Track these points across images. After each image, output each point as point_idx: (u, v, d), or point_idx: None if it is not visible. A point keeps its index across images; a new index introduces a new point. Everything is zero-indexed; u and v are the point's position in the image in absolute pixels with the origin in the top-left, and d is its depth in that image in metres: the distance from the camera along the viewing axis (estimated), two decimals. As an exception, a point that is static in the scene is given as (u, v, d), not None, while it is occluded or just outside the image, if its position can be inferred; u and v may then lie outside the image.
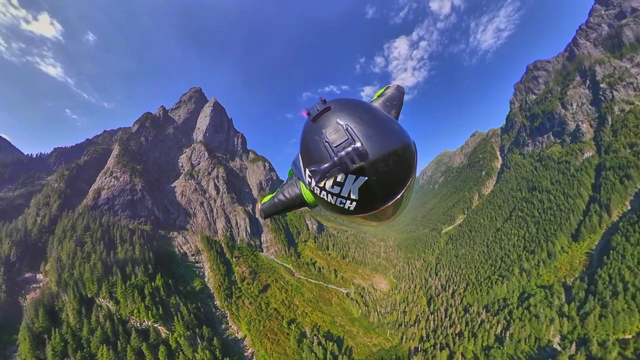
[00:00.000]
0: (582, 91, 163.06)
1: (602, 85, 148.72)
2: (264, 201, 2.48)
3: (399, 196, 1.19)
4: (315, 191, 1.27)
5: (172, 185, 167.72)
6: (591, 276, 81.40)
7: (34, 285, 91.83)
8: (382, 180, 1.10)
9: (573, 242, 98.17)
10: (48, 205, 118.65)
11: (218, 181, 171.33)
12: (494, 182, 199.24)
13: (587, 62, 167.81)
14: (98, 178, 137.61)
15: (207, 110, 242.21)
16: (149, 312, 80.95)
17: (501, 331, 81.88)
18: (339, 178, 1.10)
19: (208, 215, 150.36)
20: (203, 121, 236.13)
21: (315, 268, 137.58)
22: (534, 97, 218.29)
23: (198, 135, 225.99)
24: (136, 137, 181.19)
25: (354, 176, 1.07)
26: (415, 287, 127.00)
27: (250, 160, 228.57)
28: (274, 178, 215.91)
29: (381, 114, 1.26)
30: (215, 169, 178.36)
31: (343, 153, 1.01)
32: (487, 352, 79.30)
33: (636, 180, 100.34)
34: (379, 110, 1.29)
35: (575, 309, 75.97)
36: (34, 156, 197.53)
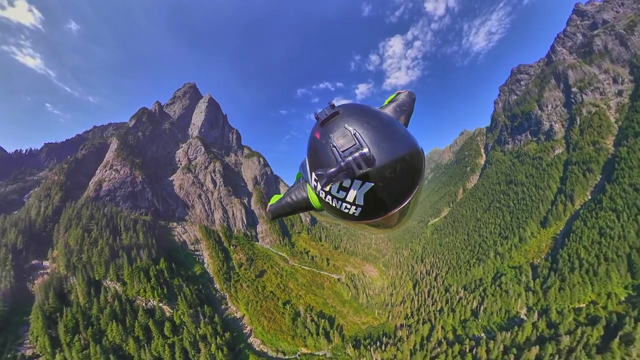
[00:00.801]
0: (556, 94, 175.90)
1: (573, 89, 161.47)
2: (271, 202, 2.61)
3: (405, 204, 1.20)
4: (321, 195, 1.31)
5: (170, 178, 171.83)
6: (554, 256, 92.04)
7: (41, 272, 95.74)
8: (388, 186, 1.12)
9: (541, 228, 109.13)
10: (49, 197, 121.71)
11: (215, 175, 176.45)
12: (477, 177, 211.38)
13: (562, 67, 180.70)
14: (98, 171, 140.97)
15: (202, 106, 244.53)
16: (155, 291, 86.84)
17: (476, 306, 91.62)
18: (345, 183, 1.12)
19: (206, 206, 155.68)
20: (198, 117, 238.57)
21: (308, 256, 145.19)
22: (515, 98, 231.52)
23: (193, 130, 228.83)
24: (134, 132, 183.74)
25: (360, 182, 1.09)
26: (402, 273, 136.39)
27: (245, 155, 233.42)
28: (269, 173, 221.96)
29: (389, 120, 1.27)
30: (212, 163, 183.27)
31: (350, 158, 1.04)
32: (464, 324, 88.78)
33: (596, 174, 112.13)
34: (387, 116, 1.31)
35: (539, 284, 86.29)
36: (24, 152, 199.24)
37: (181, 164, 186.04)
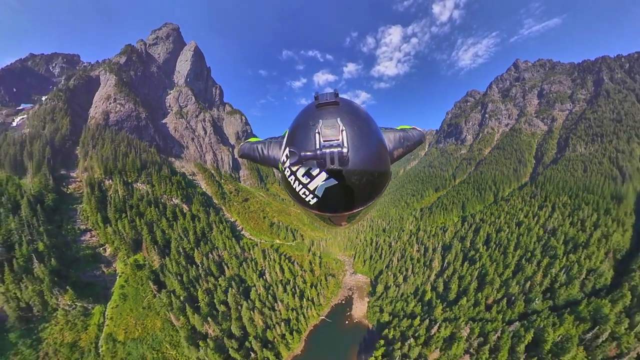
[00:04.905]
0: (477, 116, 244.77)
1: (486, 116, 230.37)
2: (248, 140, 2.60)
3: (356, 210, 1.34)
4: (286, 172, 1.34)
5: (163, 121, 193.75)
6: (433, 204, 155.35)
7: (71, 180, 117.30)
8: (349, 191, 1.21)
9: (434, 192, 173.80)
10: (55, 121, 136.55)
11: (205, 123, 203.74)
12: (416, 163, 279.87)
13: (488, 100, 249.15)
14: (102, 102, 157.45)
15: (187, 54, 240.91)
16: (177, 192, 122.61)
17: (384, 227, 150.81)
18: (313, 171, 1.20)
19: (198, 148, 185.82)
20: (183, 65, 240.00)
21: (280, 198, 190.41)
22: (458, 112, 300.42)
23: (179, 79, 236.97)
24: (126, 70, 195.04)
25: (327, 176, 1.17)
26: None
27: (228, 112, 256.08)
28: (249, 131, 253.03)
29: (378, 137, 1.33)
30: (202, 113, 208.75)
31: (328, 150, 1.06)
32: (377, 235, 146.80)
33: (473, 165, 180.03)
34: (379, 132, 1.37)
35: (420, 216, 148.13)
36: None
37: (172, 110, 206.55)
